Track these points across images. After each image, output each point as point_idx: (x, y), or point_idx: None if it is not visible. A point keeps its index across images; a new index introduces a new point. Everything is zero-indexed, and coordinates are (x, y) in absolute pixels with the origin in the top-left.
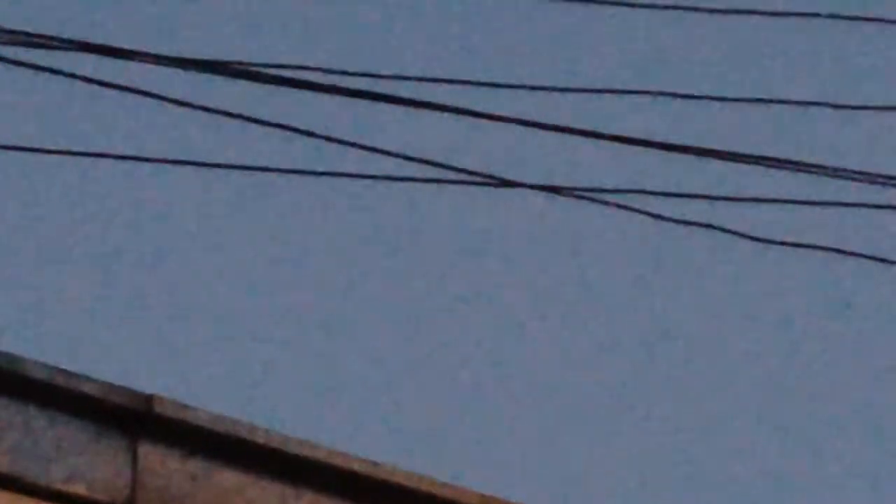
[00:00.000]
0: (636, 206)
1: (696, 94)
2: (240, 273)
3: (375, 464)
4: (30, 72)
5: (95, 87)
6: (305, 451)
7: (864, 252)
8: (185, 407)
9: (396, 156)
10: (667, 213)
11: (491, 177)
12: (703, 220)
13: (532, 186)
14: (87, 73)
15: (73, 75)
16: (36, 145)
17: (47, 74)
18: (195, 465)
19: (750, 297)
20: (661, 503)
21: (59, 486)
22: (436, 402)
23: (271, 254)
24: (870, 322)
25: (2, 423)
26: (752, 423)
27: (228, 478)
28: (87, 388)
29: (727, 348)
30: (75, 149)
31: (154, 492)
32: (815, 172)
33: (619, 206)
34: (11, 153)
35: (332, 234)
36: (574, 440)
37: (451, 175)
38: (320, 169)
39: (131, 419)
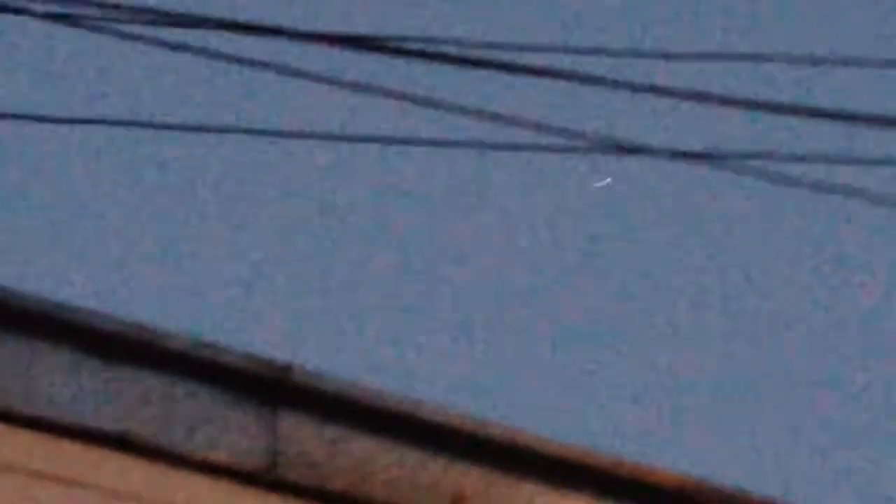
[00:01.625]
0: (765, 169)
1: (817, 56)
2: (373, 240)
3: (510, 429)
4: (169, 51)
5: (232, 65)
6: (440, 417)
7: None
8: (323, 375)
9: (529, 125)
10: (796, 177)
11: (618, 144)
12: (834, 183)
13: (663, 153)
14: (225, 50)
15: (210, 53)
16: (174, 122)
17: (186, 53)
18: (334, 432)
19: (880, 260)
20: None
21: (202, 454)
22: (563, 369)
23: (408, 221)
24: None
25: (143, 393)
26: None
27: (366, 444)
28: (225, 358)
29: (860, 312)
30: (213, 125)
31: (294, 458)
32: None
33: (749, 172)
34: (160, 131)
35: (470, 204)
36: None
37: (580, 142)
38: (455, 139)
39: (270, 388)
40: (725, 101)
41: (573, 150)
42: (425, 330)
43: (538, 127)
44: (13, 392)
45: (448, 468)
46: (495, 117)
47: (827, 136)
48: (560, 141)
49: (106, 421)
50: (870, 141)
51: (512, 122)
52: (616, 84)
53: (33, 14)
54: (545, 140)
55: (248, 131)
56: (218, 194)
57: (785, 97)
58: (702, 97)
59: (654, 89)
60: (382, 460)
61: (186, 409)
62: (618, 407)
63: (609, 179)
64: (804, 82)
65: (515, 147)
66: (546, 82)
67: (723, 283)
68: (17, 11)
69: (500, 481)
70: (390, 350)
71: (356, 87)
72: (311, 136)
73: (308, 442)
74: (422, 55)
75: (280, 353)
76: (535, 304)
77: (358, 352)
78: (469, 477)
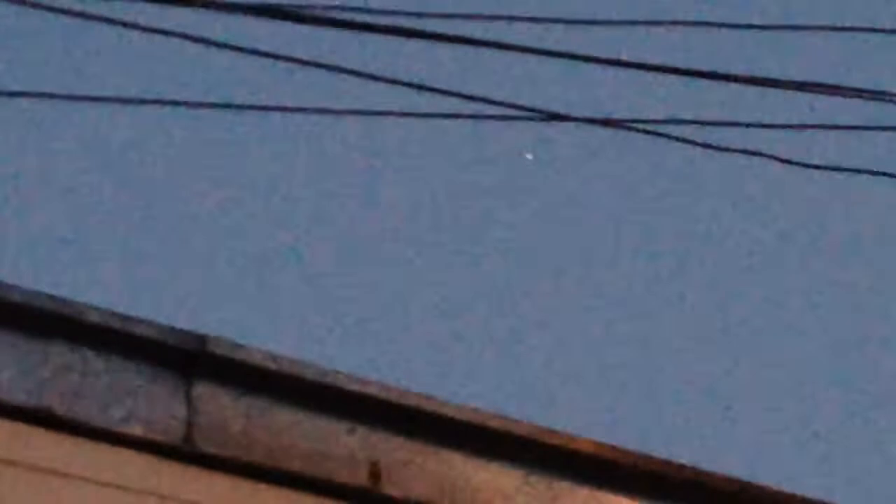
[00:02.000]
0: (681, 135)
1: (731, 23)
2: (290, 212)
3: (429, 398)
4: (80, 21)
5: (143, 34)
6: (357, 387)
7: None
8: (239, 346)
9: (443, 92)
10: (713, 142)
11: (539, 111)
12: (748, 147)
13: (580, 119)
14: (136, 20)
15: (122, 23)
16: (82, 93)
17: (99, 23)
18: (249, 404)
19: (793, 220)
20: None
21: (116, 427)
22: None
23: (322, 191)
24: None
25: (59, 366)
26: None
27: (283, 415)
28: (141, 331)
29: (776, 274)
30: (125, 96)
31: (209, 430)
32: (861, 97)
33: (666, 136)
34: (69, 102)
35: (381, 172)
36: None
37: (501, 111)
38: (363, 108)
39: (186, 359)
40: (639, 66)
41: (501, 118)
42: (344, 302)
43: (458, 95)
44: None
45: (366, 439)
46: (418, 86)
47: (736, 100)
48: (486, 109)
49: (21, 395)
50: (778, 104)
51: (430, 89)
52: (533, 51)
53: None
54: (468, 108)
55: (168, 102)
56: (130, 166)
57: (698, 63)
58: (617, 63)
59: (572, 56)
60: (299, 431)
61: (103, 383)
62: (541, 377)
63: (530, 154)
64: (715, 48)
65: (442, 115)
66: (458, 49)
67: (648, 245)
68: None
69: (418, 451)
70: (308, 322)
71: (270, 56)
72: (231, 106)
73: (225, 414)
74: (350, 25)
75: (196, 324)
76: (458, 275)
77: (277, 324)
78: (387, 447)
